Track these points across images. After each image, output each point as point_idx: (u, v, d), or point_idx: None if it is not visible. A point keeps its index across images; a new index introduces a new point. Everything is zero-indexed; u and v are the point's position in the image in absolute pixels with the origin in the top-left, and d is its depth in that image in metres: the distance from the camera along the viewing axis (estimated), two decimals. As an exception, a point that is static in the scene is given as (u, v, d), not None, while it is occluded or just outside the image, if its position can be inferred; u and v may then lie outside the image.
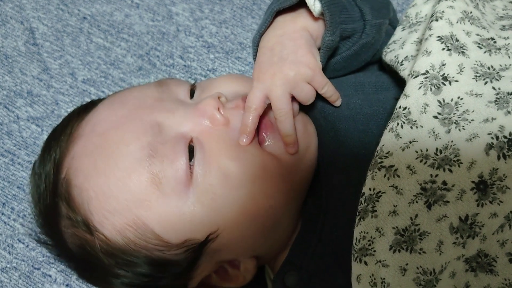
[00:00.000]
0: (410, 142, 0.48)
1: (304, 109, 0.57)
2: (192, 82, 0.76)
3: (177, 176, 0.51)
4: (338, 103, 0.58)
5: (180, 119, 0.54)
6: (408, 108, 0.49)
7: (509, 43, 0.52)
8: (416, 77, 0.50)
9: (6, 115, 0.75)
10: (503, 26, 0.55)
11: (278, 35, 0.57)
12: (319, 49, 0.57)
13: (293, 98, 0.56)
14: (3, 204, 0.70)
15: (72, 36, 0.79)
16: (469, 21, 0.53)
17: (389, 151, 0.48)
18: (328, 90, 0.56)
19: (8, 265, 0.68)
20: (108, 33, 0.80)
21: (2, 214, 0.70)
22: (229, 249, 0.54)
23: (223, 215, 0.52)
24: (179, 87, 0.59)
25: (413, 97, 0.49)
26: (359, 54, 0.60)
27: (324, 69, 0.59)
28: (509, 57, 0.51)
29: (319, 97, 0.57)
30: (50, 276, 0.67)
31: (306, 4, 0.55)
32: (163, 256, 0.53)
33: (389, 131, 0.49)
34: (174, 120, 0.54)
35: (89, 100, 0.75)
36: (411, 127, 0.49)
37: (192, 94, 0.58)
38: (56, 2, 0.81)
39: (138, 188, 0.52)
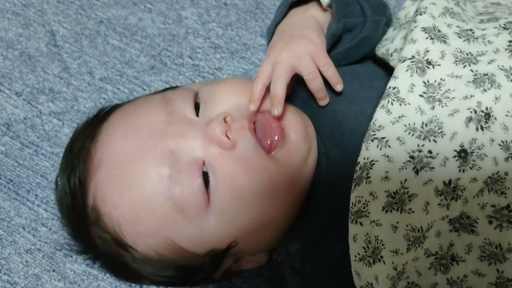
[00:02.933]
0: (399, 117, 0.53)
1: (308, 92, 0.62)
2: (201, 80, 0.81)
3: (196, 202, 0.54)
4: (339, 87, 0.61)
5: (191, 143, 0.55)
6: (397, 88, 0.54)
7: (485, 33, 0.57)
8: (404, 61, 0.55)
9: (30, 110, 0.79)
10: (482, 20, 0.60)
11: (289, 21, 0.63)
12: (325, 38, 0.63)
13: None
14: (28, 191, 0.74)
15: (90, 38, 0.83)
16: (450, 15, 0.58)
17: (381, 125, 0.53)
18: (329, 69, 0.60)
19: (33, 247, 0.71)
20: (123, 35, 0.84)
21: (27, 200, 0.74)
22: (248, 250, 0.60)
23: (240, 228, 0.56)
24: (184, 103, 0.58)
25: (401, 78, 0.54)
26: (359, 46, 0.66)
27: None
28: (485, 44, 0.56)
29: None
30: (71, 256, 0.71)
31: None
32: (191, 263, 0.58)
33: (380, 108, 0.54)
34: (185, 144, 0.55)
35: (105, 96, 0.79)
36: (400, 104, 0.53)
37: (197, 108, 0.58)
38: (75, 7, 0.86)
39: (164, 215, 0.54)
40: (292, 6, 0.64)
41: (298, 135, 0.57)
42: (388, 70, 0.61)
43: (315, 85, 0.60)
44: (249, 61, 0.82)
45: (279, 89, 0.57)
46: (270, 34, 0.65)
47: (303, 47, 0.59)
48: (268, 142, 0.56)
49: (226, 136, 0.55)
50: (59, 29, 0.84)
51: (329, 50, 0.64)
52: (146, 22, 0.85)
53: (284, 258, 0.60)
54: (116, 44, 0.84)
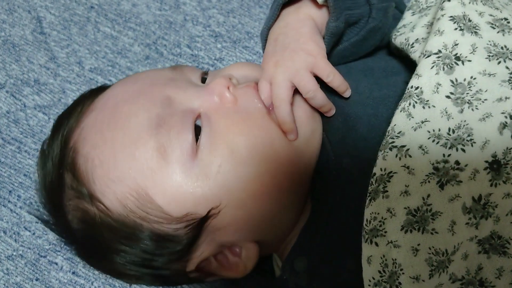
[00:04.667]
0: (422, 122, 0.48)
1: None
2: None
3: (182, 146, 0.52)
4: (347, 94, 0.57)
5: (190, 96, 0.55)
6: (420, 88, 0.49)
7: None
8: (428, 56, 0.50)
9: (13, 103, 0.74)
10: None
11: (282, 26, 0.58)
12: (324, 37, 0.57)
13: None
14: (10, 191, 0.70)
15: (79, 25, 0.79)
16: (481, 1, 0.52)
17: (400, 131, 0.48)
18: (335, 79, 0.55)
19: (15, 253, 0.68)
20: (116, 22, 0.79)
21: (9, 201, 0.70)
22: (231, 229, 0.53)
23: (227, 190, 0.52)
24: (192, 72, 0.60)
25: (426, 76, 0.49)
26: (367, 38, 0.60)
27: (332, 56, 0.59)
28: None
29: (326, 85, 0.56)
30: (56, 263, 0.67)
31: None
32: (163, 230, 0.52)
33: (400, 111, 0.48)
34: (184, 95, 0.55)
35: None
36: (423, 107, 0.48)
37: (204, 81, 0.59)
38: (63, -9, 0.81)
39: (143, 156, 0.52)
40: (285, 5, 0.58)
41: (302, 113, 0.56)
42: (407, 63, 0.56)
43: (315, 101, 0.56)
44: (253, 51, 0.78)
45: (285, 115, 0.54)
46: (264, 39, 0.60)
47: (300, 62, 0.55)
48: (272, 107, 0.55)
49: (229, 91, 0.54)
50: (46, 15, 0.80)
51: (333, 47, 0.58)
52: (141, 8, 0.80)
53: (290, 275, 0.56)
54: (108, 31, 0.79)
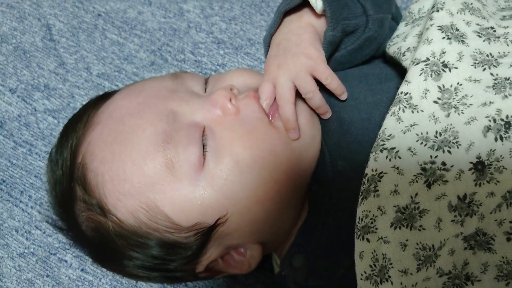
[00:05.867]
0: (411, 126, 0.50)
1: None
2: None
3: (189, 160, 0.53)
4: (344, 96, 0.59)
5: (193, 108, 0.56)
6: (410, 93, 0.51)
7: (508, 32, 0.53)
8: (417, 64, 0.52)
9: (24, 108, 0.77)
10: (504, 16, 0.57)
11: (284, 32, 0.60)
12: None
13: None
14: (21, 192, 0.72)
15: (87, 32, 0.81)
16: (469, 11, 0.54)
17: (391, 134, 0.50)
18: (333, 82, 0.58)
19: (26, 251, 0.69)
20: (122, 29, 0.82)
21: (20, 201, 0.72)
22: (237, 234, 0.56)
23: (233, 199, 0.53)
24: (193, 80, 0.60)
25: (414, 83, 0.51)
26: (363, 47, 0.62)
27: (330, 62, 0.62)
28: (507, 44, 0.52)
29: (325, 89, 0.59)
30: (66, 261, 0.69)
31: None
32: (174, 239, 0.54)
33: (391, 115, 0.51)
34: (187, 108, 0.56)
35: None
36: (412, 111, 0.50)
37: (206, 88, 0.60)
38: (72, 0, 0.83)
39: (152, 171, 0.53)
40: (287, 13, 0.61)
41: (303, 119, 0.57)
42: (400, 70, 0.59)
43: (314, 102, 0.58)
44: (254, 57, 0.80)
45: (290, 114, 0.56)
46: (266, 45, 0.62)
47: (300, 65, 0.57)
48: (274, 113, 0.57)
49: (231, 103, 0.55)
50: (56, 23, 0.82)
51: (331, 55, 0.61)
52: (146, 16, 0.83)
53: (288, 271, 0.58)
54: (115, 38, 0.81)
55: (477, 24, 0.54)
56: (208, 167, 0.53)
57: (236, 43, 0.80)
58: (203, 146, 0.54)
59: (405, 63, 0.56)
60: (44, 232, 0.70)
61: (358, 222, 0.49)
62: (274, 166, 0.54)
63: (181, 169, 0.53)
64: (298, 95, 0.58)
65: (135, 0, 0.83)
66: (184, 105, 0.56)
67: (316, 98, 0.57)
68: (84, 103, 0.76)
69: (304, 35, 0.59)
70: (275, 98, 0.57)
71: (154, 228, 0.54)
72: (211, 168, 0.53)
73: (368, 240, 0.49)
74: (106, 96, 0.62)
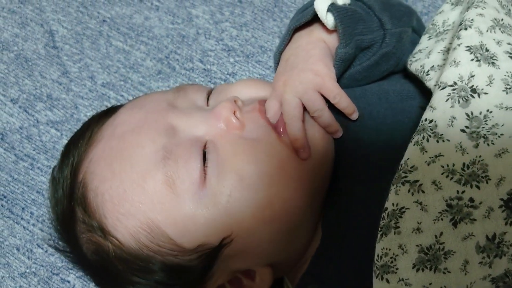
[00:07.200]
0: (436, 157, 0.46)
1: None
2: (212, 86, 0.75)
3: (191, 177, 0.51)
4: (354, 116, 0.56)
5: (195, 122, 0.54)
6: (435, 121, 0.47)
7: None
8: (443, 88, 0.48)
9: (26, 119, 0.74)
10: None
11: (293, 48, 0.58)
12: None
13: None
14: (23, 208, 0.70)
15: (91, 39, 0.79)
16: (500, 29, 0.51)
17: (413, 165, 0.47)
18: (341, 100, 0.55)
19: (27, 270, 0.68)
20: (128, 36, 0.79)
21: (22, 219, 0.70)
22: (244, 256, 0.53)
23: (238, 218, 0.51)
24: (196, 93, 0.59)
25: (440, 109, 0.48)
26: (380, 63, 0.59)
27: (344, 78, 0.59)
28: None
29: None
30: (68, 282, 0.67)
31: None
32: (177, 262, 0.52)
33: (414, 145, 0.47)
34: (188, 123, 0.54)
35: (108, 104, 0.75)
36: (437, 141, 0.47)
37: (208, 100, 0.58)
38: (75, 5, 0.81)
39: (152, 189, 0.51)
40: (297, 29, 0.58)
41: (315, 132, 0.55)
42: (422, 87, 0.55)
43: (322, 120, 0.55)
44: (266, 65, 0.77)
45: (297, 131, 0.53)
46: (276, 61, 0.60)
47: (307, 81, 0.54)
48: (281, 128, 0.54)
49: (235, 116, 0.53)
50: (59, 29, 0.80)
51: (345, 71, 0.58)
52: (153, 22, 0.80)
53: None
54: (120, 46, 0.79)
55: (509, 44, 0.50)
56: (211, 183, 0.51)
57: (247, 51, 0.77)
58: (205, 161, 0.51)
59: (429, 83, 0.52)
60: (46, 251, 0.68)
61: (377, 260, 0.47)
62: (283, 183, 0.52)
63: (182, 186, 0.51)
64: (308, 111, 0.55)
65: (142, 5, 0.81)
66: (185, 119, 0.54)
67: (324, 116, 0.55)
68: (88, 114, 0.75)
69: (314, 50, 0.56)
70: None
71: (156, 250, 0.52)
72: (213, 184, 0.51)
73: (387, 281, 0.46)
74: (111, 111, 0.60)
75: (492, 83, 0.48)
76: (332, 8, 0.55)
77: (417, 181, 0.46)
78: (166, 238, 0.51)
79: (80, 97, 0.76)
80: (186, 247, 0.51)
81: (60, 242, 0.61)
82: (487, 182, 0.45)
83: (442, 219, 0.45)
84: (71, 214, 0.55)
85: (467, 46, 0.49)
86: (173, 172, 0.51)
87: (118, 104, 0.74)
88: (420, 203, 0.46)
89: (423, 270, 0.45)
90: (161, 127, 0.53)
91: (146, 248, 0.52)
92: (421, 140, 0.47)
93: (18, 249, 0.68)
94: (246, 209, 0.51)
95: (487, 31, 0.50)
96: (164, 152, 0.52)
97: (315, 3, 0.56)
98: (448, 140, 0.47)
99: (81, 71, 0.77)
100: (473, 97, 0.47)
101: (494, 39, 0.50)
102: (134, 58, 0.77)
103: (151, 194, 0.51)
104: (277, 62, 0.59)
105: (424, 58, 0.55)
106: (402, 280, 0.45)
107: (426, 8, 0.80)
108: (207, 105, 0.58)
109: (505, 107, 0.47)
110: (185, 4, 0.80)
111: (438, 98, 0.48)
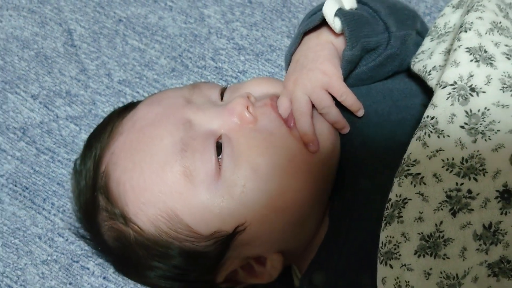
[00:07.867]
0: (437, 151, 0.49)
1: None
2: (224, 84, 0.78)
3: (206, 168, 0.53)
4: (360, 113, 0.59)
5: (210, 117, 0.56)
6: (436, 118, 0.50)
7: None
8: (444, 87, 0.51)
9: (46, 114, 0.77)
10: None
11: (303, 49, 0.61)
12: None
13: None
14: (44, 199, 0.73)
15: (108, 38, 0.81)
16: (498, 31, 0.53)
17: (416, 159, 0.49)
18: (348, 98, 0.58)
19: (49, 258, 0.70)
20: (143, 35, 0.81)
21: (43, 209, 0.72)
22: (256, 243, 0.56)
23: (251, 208, 0.53)
24: (210, 90, 0.61)
25: (441, 107, 0.50)
26: (384, 64, 0.62)
27: (350, 78, 0.62)
28: None
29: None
30: (88, 269, 0.69)
31: None
32: (194, 248, 0.55)
33: (416, 140, 0.50)
34: (203, 117, 0.56)
35: (124, 100, 0.78)
36: (438, 137, 0.50)
37: (223, 97, 0.61)
38: (92, 5, 0.83)
39: (171, 180, 0.54)
40: (306, 32, 0.61)
41: (324, 127, 0.58)
42: (425, 86, 0.58)
43: (330, 117, 0.58)
44: (275, 63, 0.79)
45: (307, 127, 0.56)
46: (287, 63, 0.63)
47: (315, 80, 0.57)
48: (292, 123, 0.57)
49: (248, 111, 0.55)
50: (77, 28, 0.82)
51: (351, 71, 0.61)
52: (167, 21, 0.82)
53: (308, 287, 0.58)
54: (136, 44, 0.81)
55: (506, 45, 0.53)
56: (225, 174, 0.54)
57: (257, 50, 0.80)
58: (220, 154, 0.54)
59: (431, 82, 0.55)
60: (66, 240, 0.71)
61: (381, 247, 0.49)
62: (293, 175, 0.54)
63: (199, 177, 0.54)
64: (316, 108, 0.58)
65: (156, 5, 0.83)
66: (201, 113, 0.57)
67: (332, 113, 0.58)
68: (105, 109, 0.77)
69: (322, 52, 0.59)
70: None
71: (174, 237, 0.55)
72: (228, 175, 0.54)
73: (391, 266, 0.49)
74: (131, 106, 0.63)
75: (490, 82, 0.50)
76: (339, 13, 0.58)
77: (419, 174, 0.49)
78: (184, 225, 0.54)
79: (97, 94, 0.78)
80: (202, 233, 0.54)
81: (82, 231, 0.64)
82: (484, 175, 0.48)
83: (442, 209, 0.48)
84: (94, 203, 0.58)
85: (467, 48, 0.52)
86: (190, 164, 0.54)
87: (134, 100, 0.77)
88: (422, 194, 0.48)
89: (424, 256, 0.48)
90: (178, 121, 0.56)
91: (165, 234, 0.55)
92: (423, 135, 0.50)
93: (40, 238, 0.71)
94: (259, 199, 0.54)
95: (486, 33, 0.53)
96: (181, 145, 0.54)
97: (323, 8, 0.58)
98: (448, 136, 0.49)
99: (98, 68, 0.79)
100: (472, 95, 0.50)
101: (492, 41, 0.52)
102: (149, 56, 0.80)
103: (169, 184, 0.54)
104: (288, 63, 0.62)
105: (427, 59, 0.57)
106: (405, 265, 0.48)
107: (429, 9, 0.82)
108: (221, 101, 0.60)
109: (502, 105, 0.50)
110: (198, 4, 0.83)
111: (439, 97, 0.51)
